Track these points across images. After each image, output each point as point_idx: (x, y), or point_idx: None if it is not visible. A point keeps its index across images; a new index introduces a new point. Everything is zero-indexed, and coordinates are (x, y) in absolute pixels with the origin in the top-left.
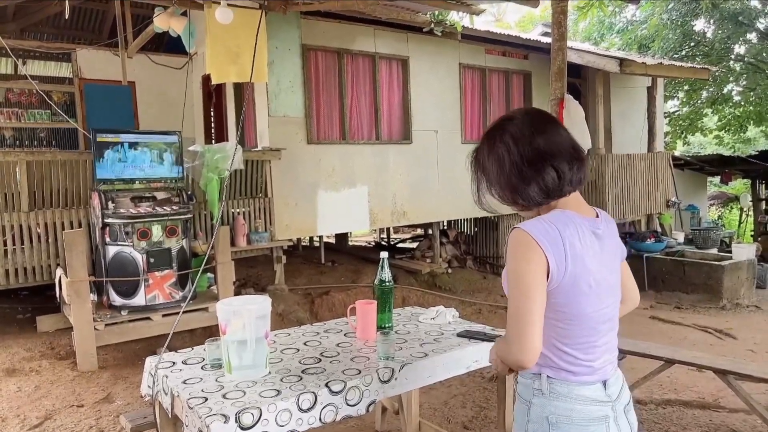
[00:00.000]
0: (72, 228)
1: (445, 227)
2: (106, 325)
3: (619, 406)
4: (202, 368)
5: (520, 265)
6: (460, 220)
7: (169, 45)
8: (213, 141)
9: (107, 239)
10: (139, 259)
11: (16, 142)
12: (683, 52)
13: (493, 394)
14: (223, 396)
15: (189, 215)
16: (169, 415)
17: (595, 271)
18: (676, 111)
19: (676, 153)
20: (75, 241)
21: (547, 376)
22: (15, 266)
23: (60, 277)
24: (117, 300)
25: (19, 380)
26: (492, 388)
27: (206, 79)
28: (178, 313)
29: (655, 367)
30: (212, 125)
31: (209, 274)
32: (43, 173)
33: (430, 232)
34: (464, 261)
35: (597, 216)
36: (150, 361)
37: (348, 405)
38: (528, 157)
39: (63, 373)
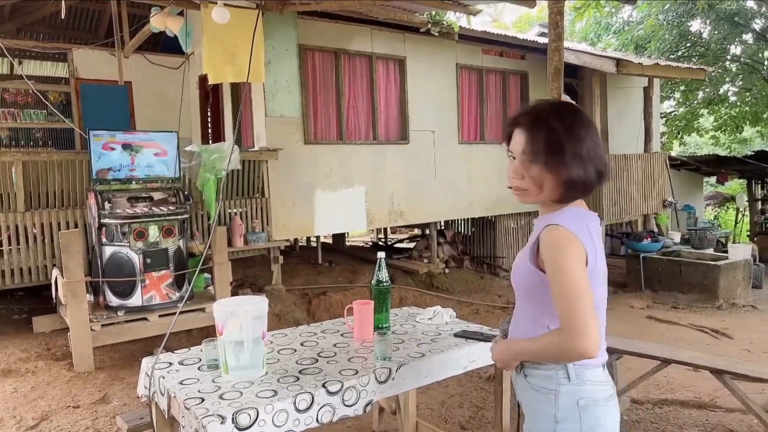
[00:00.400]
0: (68, 228)
1: (443, 227)
2: (102, 325)
3: (612, 383)
4: (198, 369)
5: (568, 260)
6: (458, 220)
7: (165, 45)
8: (210, 141)
9: (104, 239)
10: (136, 259)
11: (12, 142)
12: (679, 53)
13: (491, 394)
14: (220, 396)
15: (186, 215)
16: (166, 416)
17: (602, 262)
18: (673, 111)
19: (673, 153)
20: (71, 241)
21: (573, 363)
22: (11, 267)
23: (56, 277)
24: (113, 300)
25: (15, 381)
26: (489, 388)
27: (203, 79)
28: (174, 313)
29: (651, 366)
30: (209, 125)
31: (206, 275)
32: (39, 173)
33: (427, 232)
34: (461, 261)
35: (596, 214)
36: (147, 362)
37: (345, 405)
38: (598, 147)
39: (59, 373)
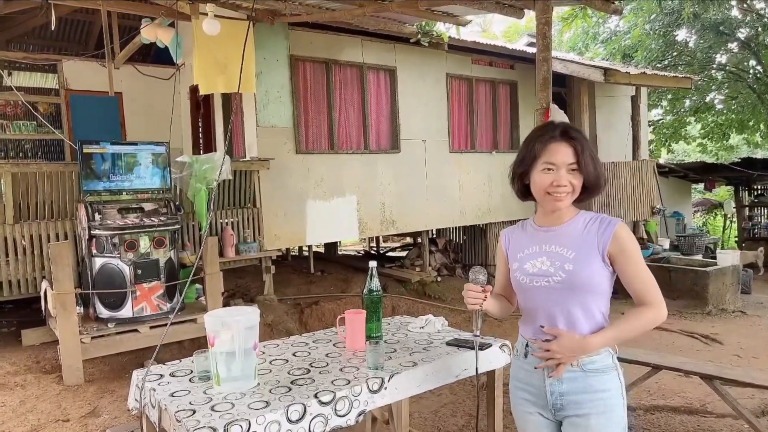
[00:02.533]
0: (58, 240)
1: (434, 236)
2: (92, 337)
3: None
4: (190, 380)
5: (639, 248)
6: (449, 228)
7: (156, 56)
8: (201, 151)
9: (94, 251)
10: (127, 270)
11: (1, 153)
12: (666, 62)
13: (484, 402)
14: (212, 408)
15: (177, 226)
16: (157, 429)
17: None
18: (660, 119)
19: (661, 161)
20: (61, 253)
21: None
22: (0, 279)
23: (46, 289)
24: (104, 312)
25: (3, 395)
26: (482, 396)
27: (194, 89)
28: (165, 324)
29: (642, 373)
30: (200, 136)
31: (197, 285)
32: (29, 185)
33: (419, 240)
34: (453, 269)
35: None
36: (137, 374)
37: (337, 416)
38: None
39: (49, 387)
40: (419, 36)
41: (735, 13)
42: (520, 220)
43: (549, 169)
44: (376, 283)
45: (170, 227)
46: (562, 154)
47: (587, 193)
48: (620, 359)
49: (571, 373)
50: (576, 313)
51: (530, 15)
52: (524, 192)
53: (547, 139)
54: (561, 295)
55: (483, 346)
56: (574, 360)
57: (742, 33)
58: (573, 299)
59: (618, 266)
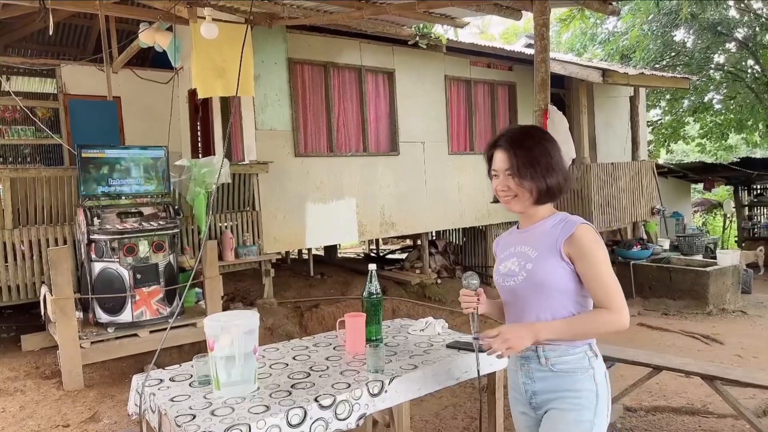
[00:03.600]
0: (57, 245)
1: (434, 238)
2: (92, 342)
3: None
4: (190, 385)
5: (603, 251)
6: (449, 230)
7: (154, 60)
8: (200, 155)
9: (93, 256)
10: (126, 275)
11: (0, 158)
12: (664, 62)
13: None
14: (212, 413)
15: (176, 230)
16: None
17: None
18: (659, 120)
19: (660, 161)
20: (60, 258)
21: (594, 340)
22: None
23: (45, 294)
24: (103, 317)
25: (3, 400)
26: (483, 398)
27: (192, 93)
28: (165, 329)
29: (643, 374)
30: (199, 139)
31: (197, 289)
32: (28, 190)
33: (418, 242)
34: (453, 271)
35: None
36: (137, 379)
37: (338, 419)
38: (561, 162)
39: (48, 392)
40: (417, 38)
41: (733, 13)
42: (518, 222)
43: (495, 176)
44: (375, 285)
45: (169, 231)
46: (499, 160)
47: (543, 196)
48: (621, 361)
49: (541, 373)
50: (543, 311)
51: (528, 16)
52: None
53: (492, 147)
54: (526, 294)
55: (484, 348)
56: (523, 345)
57: (740, 33)
58: (538, 298)
59: (577, 267)
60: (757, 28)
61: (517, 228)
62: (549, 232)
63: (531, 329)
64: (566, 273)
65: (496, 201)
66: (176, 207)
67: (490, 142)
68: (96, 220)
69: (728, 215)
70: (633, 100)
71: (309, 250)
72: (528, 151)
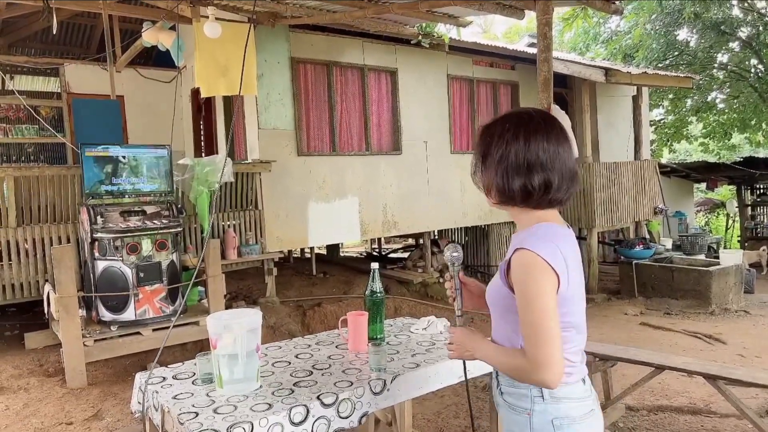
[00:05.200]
0: (60, 243)
1: (436, 237)
2: (95, 340)
3: (594, 397)
4: (192, 383)
5: (535, 289)
6: (451, 229)
7: (157, 59)
8: (203, 154)
9: (96, 254)
10: (129, 273)
11: (4, 157)
12: (667, 62)
13: (486, 403)
14: (215, 411)
15: (179, 229)
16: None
17: (579, 279)
18: (662, 119)
19: (663, 160)
20: (63, 256)
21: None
22: (2, 283)
23: (48, 292)
24: (106, 315)
25: (7, 398)
26: (485, 397)
27: (196, 92)
28: (168, 327)
29: (645, 373)
30: (202, 138)
31: (200, 288)
32: (31, 188)
33: (421, 241)
34: None
35: (569, 227)
36: (140, 377)
37: (340, 417)
38: (530, 157)
39: (52, 390)
40: (420, 37)
41: (736, 12)
42: (507, 222)
43: None
44: (378, 284)
45: (172, 230)
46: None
47: (505, 198)
48: (623, 360)
49: (495, 396)
50: (496, 332)
51: (531, 16)
52: None
53: None
54: (491, 309)
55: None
56: (463, 355)
57: (744, 32)
58: (492, 317)
59: None
60: (761, 28)
61: None
62: (510, 249)
63: (474, 344)
64: (507, 299)
65: None
66: (179, 206)
67: None
68: (99, 219)
69: (731, 215)
70: (636, 100)
71: (311, 249)
72: (490, 138)
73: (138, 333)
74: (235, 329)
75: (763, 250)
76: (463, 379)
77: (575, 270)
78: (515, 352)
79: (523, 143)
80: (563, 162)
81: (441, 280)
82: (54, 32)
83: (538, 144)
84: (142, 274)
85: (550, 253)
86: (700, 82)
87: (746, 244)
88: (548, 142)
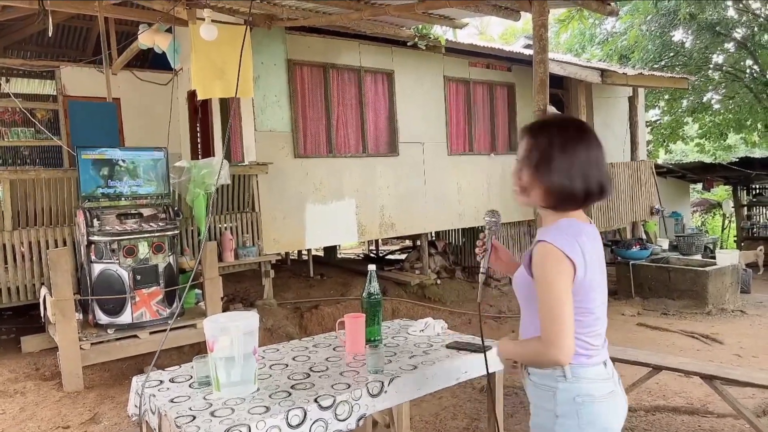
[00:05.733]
0: (56, 246)
1: (434, 238)
2: (92, 344)
3: (616, 380)
4: (190, 386)
5: (552, 276)
6: (448, 230)
7: (154, 61)
8: (199, 156)
9: (93, 257)
10: (126, 276)
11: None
12: (663, 62)
13: (484, 404)
14: (212, 414)
15: (176, 231)
16: None
17: (599, 270)
18: (658, 120)
19: (659, 161)
20: (60, 259)
21: (569, 363)
22: None
23: (45, 296)
24: (103, 318)
25: (3, 402)
26: (483, 399)
27: (192, 94)
28: (165, 330)
29: (643, 373)
30: (198, 140)
31: (197, 290)
32: (27, 192)
33: (418, 243)
34: (453, 272)
35: (591, 222)
36: (137, 380)
37: (338, 420)
38: (593, 162)
39: (48, 394)
40: (416, 39)
41: (731, 13)
42: (518, 221)
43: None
44: (375, 286)
45: (169, 232)
46: (520, 146)
47: (548, 198)
48: (621, 361)
49: (525, 379)
50: (523, 319)
51: (527, 17)
52: None
53: (520, 131)
54: (518, 298)
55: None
56: (507, 363)
57: (739, 33)
58: (521, 303)
59: None
60: (756, 28)
61: None
62: (534, 242)
63: (504, 351)
64: (533, 288)
65: None
66: (176, 208)
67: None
68: (96, 222)
69: (727, 215)
70: (632, 101)
71: (309, 251)
72: (541, 141)
73: (135, 336)
74: (232, 332)
75: (760, 249)
76: (462, 380)
77: (594, 261)
78: (531, 340)
79: (585, 150)
80: (606, 165)
81: (438, 281)
82: (50, 35)
83: (597, 150)
84: (138, 277)
85: (567, 245)
86: (696, 82)
87: (742, 244)
88: (600, 149)
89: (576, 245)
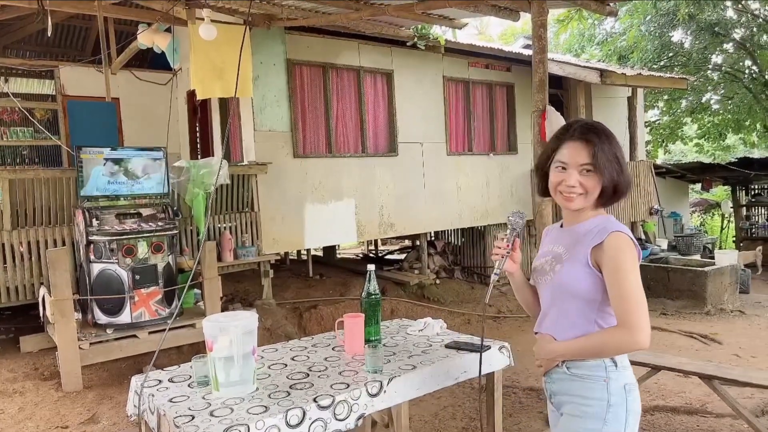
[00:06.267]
0: (56, 246)
1: (433, 238)
2: (91, 344)
3: None
4: (189, 386)
5: (630, 263)
6: (448, 230)
7: (153, 61)
8: (199, 156)
9: (92, 257)
10: (125, 276)
11: None
12: (662, 63)
13: (483, 404)
14: (211, 413)
15: (175, 231)
16: None
17: None
18: (657, 120)
19: (658, 161)
20: (59, 259)
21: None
22: None
23: (44, 296)
24: (102, 318)
25: (2, 402)
26: (481, 398)
27: (191, 94)
28: (164, 330)
29: (642, 373)
30: (198, 140)
31: (196, 290)
32: (26, 191)
33: (417, 243)
34: (452, 271)
35: None
36: (136, 380)
37: (337, 420)
38: (626, 164)
39: (47, 394)
40: (416, 39)
41: (730, 13)
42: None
43: (562, 168)
44: (374, 286)
45: (168, 232)
46: (575, 153)
47: (607, 198)
48: None
49: (558, 374)
50: (561, 315)
51: (526, 17)
52: (545, 188)
53: (565, 137)
54: (551, 295)
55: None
56: (552, 363)
57: (738, 33)
58: (560, 300)
59: (604, 277)
60: (755, 29)
61: (561, 225)
62: (585, 234)
63: (549, 350)
64: (593, 281)
65: (546, 195)
66: (175, 208)
67: (559, 130)
68: (95, 221)
69: (726, 215)
70: (631, 101)
71: (308, 250)
72: (611, 146)
73: (134, 336)
74: (231, 332)
75: (759, 250)
76: (461, 380)
77: None
78: (606, 331)
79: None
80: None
81: (437, 281)
82: (49, 34)
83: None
84: (137, 277)
85: (631, 235)
86: (695, 83)
87: (741, 245)
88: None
89: (634, 237)
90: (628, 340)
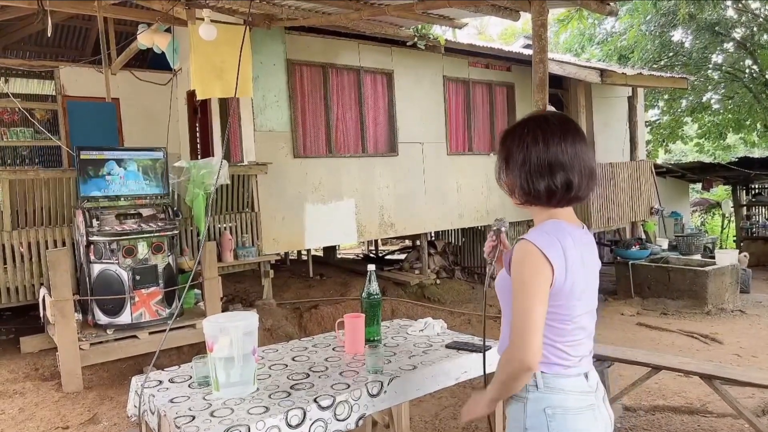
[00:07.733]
0: (56, 246)
1: (433, 238)
2: (91, 344)
3: (599, 395)
4: (189, 386)
5: (527, 275)
6: (448, 230)
7: (153, 61)
8: (199, 156)
9: (92, 257)
10: (125, 276)
11: None
12: (662, 62)
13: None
14: (211, 414)
15: (175, 231)
16: None
17: (584, 278)
18: (657, 120)
19: (658, 161)
20: (59, 259)
21: (541, 371)
22: None
23: (44, 296)
24: (102, 318)
25: (2, 403)
26: None
27: (191, 94)
28: (164, 330)
29: (642, 373)
30: (198, 140)
31: (196, 291)
32: (26, 192)
33: (417, 243)
34: (452, 272)
35: (583, 227)
36: (136, 381)
37: (337, 420)
38: (550, 159)
39: (48, 394)
40: (416, 39)
41: (730, 13)
42: (517, 221)
43: None
44: (374, 286)
45: (168, 233)
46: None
47: (529, 198)
48: (620, 360)
49: None
50: (505, 325)
51: (526, 17)
52: None
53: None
54: (501, 304)
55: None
56: (479, 410)
57: (738, 33)
58: (504, 310)
59: None
60: (755, 28)
61: None
62: None
63: (476, 399)
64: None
65: None
66: (175, 208)
67: None
68: (95, 222)
69: (727, 215)
70: (631, 101)
71: (308, 251)
72: (501, 146)
73: (134, 336)
74: (231, 332)
75: (744, 255)
76: (461, 380)
77: (578, 267)
78: (503, 353)
79: (542, 146)
80: (582, 161)
81: (438, 281)
82: (49, 35)
83: (556, 146)
84: (138, 278)
85: (547, 245)
86: (695, 82)
87: (742, 244)
88: (566, 143)
89: (558, 247)
90: (511, 360)
